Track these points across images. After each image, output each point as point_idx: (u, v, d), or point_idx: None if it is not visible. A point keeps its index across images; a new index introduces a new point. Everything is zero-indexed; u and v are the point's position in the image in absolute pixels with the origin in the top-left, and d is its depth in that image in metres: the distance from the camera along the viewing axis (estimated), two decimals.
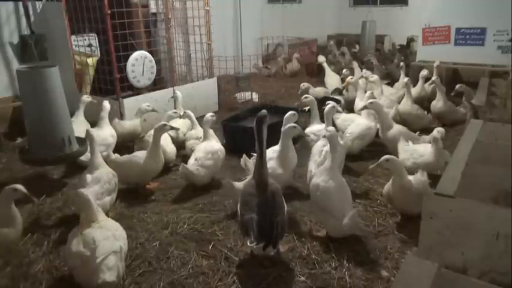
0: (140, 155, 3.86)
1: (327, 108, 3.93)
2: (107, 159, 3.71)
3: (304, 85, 6.11)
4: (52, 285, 2.66)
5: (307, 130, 4.45)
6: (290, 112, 3.84)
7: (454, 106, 5.47)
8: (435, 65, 6.35)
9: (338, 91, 6.00)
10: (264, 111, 2.69)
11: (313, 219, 3.34)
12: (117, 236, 2.47)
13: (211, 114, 4.28)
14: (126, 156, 3.92)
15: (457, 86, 5.50)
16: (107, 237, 2.40)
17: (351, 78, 5.57)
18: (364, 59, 8.33)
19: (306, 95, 4.75)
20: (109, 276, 2.22)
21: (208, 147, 3.97)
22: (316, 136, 4.14)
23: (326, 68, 7.24)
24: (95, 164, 3.40)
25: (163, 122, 3.97)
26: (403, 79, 6.53)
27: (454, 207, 2.20)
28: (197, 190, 3.90)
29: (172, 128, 3.95)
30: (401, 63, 6.81)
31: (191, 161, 3.92)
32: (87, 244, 2.35)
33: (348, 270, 2.72)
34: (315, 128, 4.31)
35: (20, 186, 2.83)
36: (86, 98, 4.97)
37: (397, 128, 4.36)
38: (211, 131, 4.17)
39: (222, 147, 4.10)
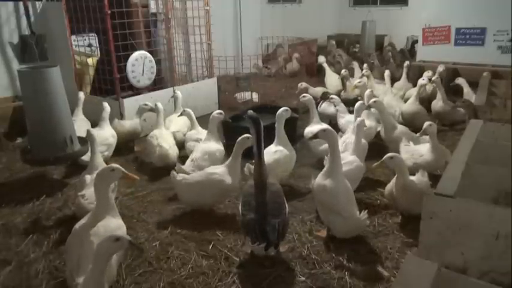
0: (218, 171, 3.35)
1: (356, 104, 4.21)
2: (174, 181, 3.39)
3: (302, 84, 6.12)
4: (52, 285, 2.66)
5: (307, 130, 4.45)
6: (282, 108, 3.84)
7: (454, 106, 5.46)
8: (439, 70, 6.34)
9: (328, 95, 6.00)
10: (250, 111, 2.68)
11: (313, 219, 3.34)
12: None
13: (218, 111, 4.15)
14: (200, 174, 3.42)
15: (456, 80, 5.61)
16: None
17: (359, 82, 5.58)
18: (367, 58, 8.33)
19: (304, 94, 4.75)
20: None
21: (205, 148, 3.94)
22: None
23: (326, 68, 7.24)
24: (94, 165, 3.40)
25: (246, 135, 3.31)
26: (405, 79, 6.59)
27: (454, 207, 2.20)
28: None
29: None
30: (407, 63, 6.79)
31: (188, 161, 3.91)
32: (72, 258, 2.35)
33: (348, 270, 2.72)
34: (315, 127, 4.30)
35: None
36: (82, 94, 5.00)
37: (400, 128, 4.36)
38: (214, 131, 4.09)
39: (221, 148, 4.07)
